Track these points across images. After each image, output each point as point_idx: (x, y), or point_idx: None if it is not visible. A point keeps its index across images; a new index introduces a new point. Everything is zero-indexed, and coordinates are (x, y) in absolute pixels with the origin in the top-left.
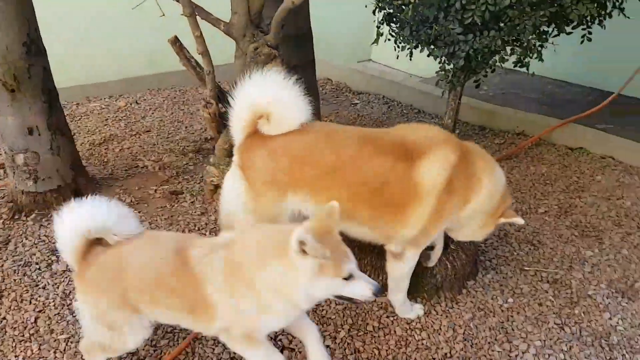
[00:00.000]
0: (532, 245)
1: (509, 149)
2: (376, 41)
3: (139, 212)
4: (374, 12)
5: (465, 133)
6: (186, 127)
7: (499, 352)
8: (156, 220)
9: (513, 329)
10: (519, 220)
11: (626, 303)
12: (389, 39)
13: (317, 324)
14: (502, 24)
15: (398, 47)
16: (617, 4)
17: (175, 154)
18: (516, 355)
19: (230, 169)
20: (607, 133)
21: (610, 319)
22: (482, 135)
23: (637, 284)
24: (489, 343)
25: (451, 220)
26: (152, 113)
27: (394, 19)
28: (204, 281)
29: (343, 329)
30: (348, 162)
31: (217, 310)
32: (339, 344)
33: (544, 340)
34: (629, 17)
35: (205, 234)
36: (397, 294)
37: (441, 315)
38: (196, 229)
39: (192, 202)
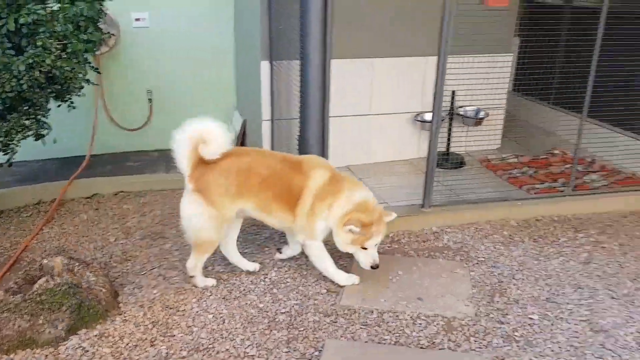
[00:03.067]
0: (126, 260)
1: (43, 217)
2: None
3: None
4: None
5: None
6: None
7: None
8: None
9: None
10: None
11: None
12: None
13: None
14: (22, 107)
15: None
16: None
17: None
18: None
19: (186, 197)
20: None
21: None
22: (15, 215)
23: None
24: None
25: (324, 222)
26: None
27: None
28: None
29: None
30: (273, 173)
31: None
32: None
33: (197, 298)
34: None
35: None
36: (324, 270)
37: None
38: None
39: None
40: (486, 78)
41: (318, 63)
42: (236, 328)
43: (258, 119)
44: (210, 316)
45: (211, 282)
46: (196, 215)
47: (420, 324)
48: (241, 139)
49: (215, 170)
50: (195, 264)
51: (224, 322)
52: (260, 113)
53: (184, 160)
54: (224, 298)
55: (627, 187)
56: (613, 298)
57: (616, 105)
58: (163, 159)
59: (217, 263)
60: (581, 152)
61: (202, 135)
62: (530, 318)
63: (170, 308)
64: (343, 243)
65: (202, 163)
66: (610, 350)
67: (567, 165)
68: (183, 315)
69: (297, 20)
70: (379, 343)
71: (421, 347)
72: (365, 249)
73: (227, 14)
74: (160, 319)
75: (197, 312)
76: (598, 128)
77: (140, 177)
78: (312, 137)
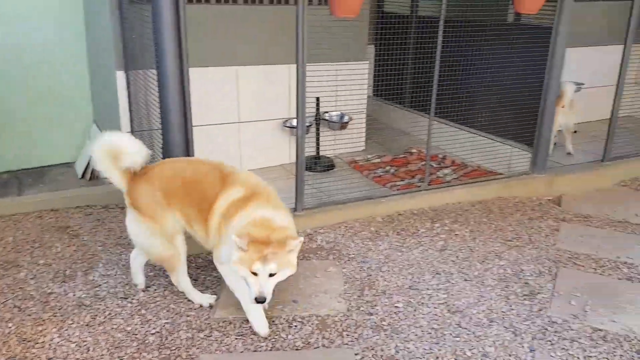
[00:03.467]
0: None
1: None
2: None
3: None
4: None
5: None
6: None
7: None
8: None
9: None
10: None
11: None
12: None
13: None
14: None
15: None
16: None
17: None
18: None
19: (127, 214)
20: None
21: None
22: None
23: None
24: None
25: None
26: None
27: None
28: None
29: None
30: (195, 180)
31: None
32: None
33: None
34: None
35: None
36: (229, 284)
37: None
38: None
39: None
40: (346, 84)
41: (175, 71)
42: (102, 355)
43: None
44: (73, 345)
45: (208, 299)
46: (139, 233)
47: (295, 326)
48: None
49: (142, 179)
50: (176, 280)
51: (88, 351)
52: (119, 125)
53: (112, 176)
54: (87, 325)
55: (473, 179)
56: (466, 280)
57: (458, 105)
58: (14, 181)
59: (78, 288)
60: (434, 149)
61: (112, 149)
62: (396, 306)
63: (28, 341)
64: (233, 262)
65: (135, 176)
66: (465, 328)
67: (423, 163)
68: (43, 347)
69: (150, 28)
70: (254, 351)
71: (296, 349)
72: (255, 274)
73: (77, 23)
74: (17, 353)
75: (58, 342)
76: (446, 127)
77: None
78: (176, 148)
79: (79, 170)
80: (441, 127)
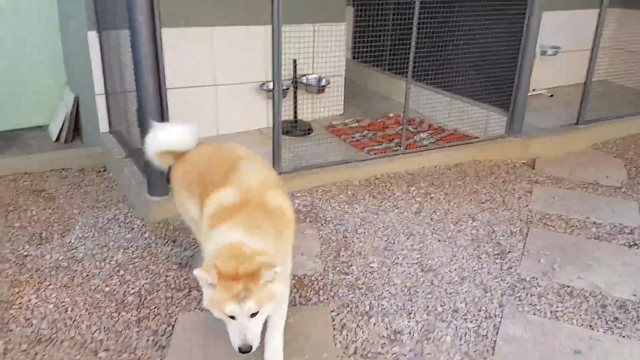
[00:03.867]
0: None
1: None
2: None
3: None
4: None
5: None
6: None
7: None
8: None
9: None
10: None
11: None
12: None
13: None
14: None
15: None
16: None
17: None
18: None
19: None
20: None
21: None
22: None
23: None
24: None
25: None
26: None
27: None
28: None
29: None
30: (213, 170)
31: None
32: None
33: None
34: None
35: None
36: None
37: None
38: None
39: None
40: (324, 47)
41: (148, 32)
42: (81, 315)
43: (91, 94)
44: (51, 306)
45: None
46: (177, 204)
47: None
48: (74, 117)
49: (178, 163)
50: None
51: (66, 311)
52: (92, 87)
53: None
54: (65, 286)
55: (449, 143)
56: (439, 241)
57: (436, 69)
58: None
59: (54, 251)
60: (411, 113)
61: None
62: (371, 267)
63: (5, 302)
64: (205, 304)
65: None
66: (437, 286)
67: (400, 127)
68: (20, 308)
69: None
70: None
71: None
72: (233, 318)
73: None
74: None
75: (35, 303)
76: (424, 91)
77: None
78: (150, 110)
79: (53, 133)
80: (419, 91)
